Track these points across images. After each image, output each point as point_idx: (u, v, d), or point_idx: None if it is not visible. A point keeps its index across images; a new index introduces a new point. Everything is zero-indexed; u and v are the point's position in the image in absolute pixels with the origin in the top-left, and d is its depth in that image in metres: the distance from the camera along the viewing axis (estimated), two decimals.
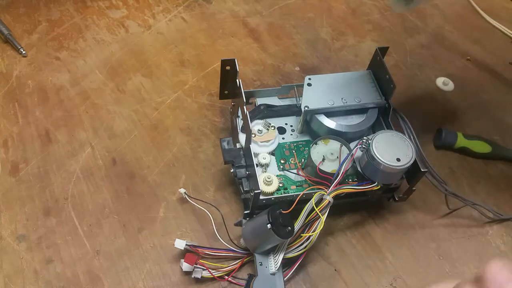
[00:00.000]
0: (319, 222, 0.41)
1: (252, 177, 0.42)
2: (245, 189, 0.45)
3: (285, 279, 0.43)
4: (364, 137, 0.42)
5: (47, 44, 0.65)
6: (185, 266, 0.43)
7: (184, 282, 0.44)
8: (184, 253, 0.43)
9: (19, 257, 0.45)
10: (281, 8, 0.74)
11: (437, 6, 0.77)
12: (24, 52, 0.63)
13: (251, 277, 0.43)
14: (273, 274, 0.42)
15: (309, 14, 0.73)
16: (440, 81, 0.65)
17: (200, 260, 0.43)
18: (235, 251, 0.45)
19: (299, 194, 0.42)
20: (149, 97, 0.59)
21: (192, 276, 0.43)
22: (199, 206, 0.47)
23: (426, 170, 0.43)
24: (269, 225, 0.39)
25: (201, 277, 0.43)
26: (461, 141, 0.55)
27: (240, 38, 0.68)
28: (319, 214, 0.40)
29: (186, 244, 0.43)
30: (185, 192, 0.48)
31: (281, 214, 0.40)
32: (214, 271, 0.43)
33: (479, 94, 0.65)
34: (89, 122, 0.56)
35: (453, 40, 0.72)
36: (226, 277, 0.43)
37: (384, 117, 0.48)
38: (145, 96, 0.59)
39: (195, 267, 0.43)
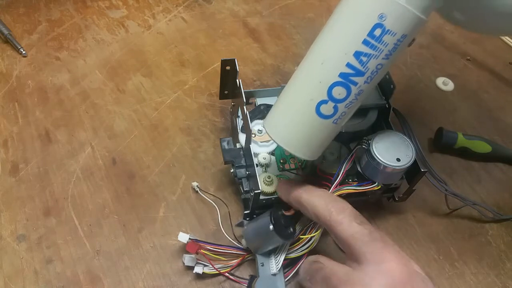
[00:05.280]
0: None
1: (252, 177, 0.42)
2: (245, 189, 0.45)
3: (286, 279, 0.43)
4: (364, 137, 0.42)
5: (47, 44, 0.65)
6: (187, 260, 0.43)
7: (184, 282, 0.44)
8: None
9: (19, 257, 0.44)
10: (281, 8, 0.74)
11: None
12: (24, 52, 0.63)
13: (253, 278, 0.43)
14: (274, 275, 0.42)
15: (309, 14, 0.73)
16: (440, 81, 0.65)
17: (201, 250, 0.43)
18: (238, 247, 0.45)
19: None
20: (149, 97, 0.59)
21: (194, 271, 0.43)
22: (208, 199, 0.49)
23: (426, 170, 0.43)
24: (271, 226, 0.39)
25: (202, 273, 0.43)
26: (461, 141, 0.55)
27: (240, 38, 0.68)
28: None
29: (190, 238, 0.43)
30: (197, 186, 0.49)
31: (283, 215, 0.40)
32: (214, 262, 0.43)
33: (479, 94, 0.65)
34: (89, 122, 0.56)
35: (453, 40, 0.72)
36: (227, 274, 0.43)
37: (384, 117, 0.48)
38: (145, 96, 0.59)
39: (197, 262, 0.43)
